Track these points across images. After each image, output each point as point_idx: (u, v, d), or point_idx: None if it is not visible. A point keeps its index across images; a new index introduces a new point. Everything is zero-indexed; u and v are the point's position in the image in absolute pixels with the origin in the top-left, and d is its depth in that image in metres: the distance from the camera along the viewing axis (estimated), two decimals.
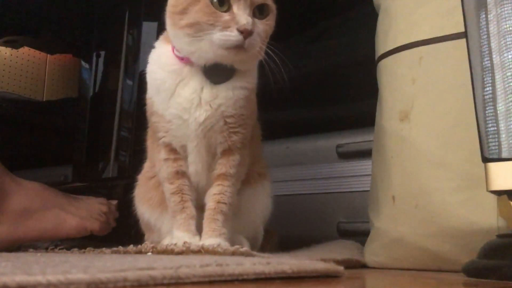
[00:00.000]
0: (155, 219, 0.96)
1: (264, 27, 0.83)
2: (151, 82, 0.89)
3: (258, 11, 0.83)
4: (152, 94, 0.89)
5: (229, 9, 0.80)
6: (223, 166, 0.88)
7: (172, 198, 0.89)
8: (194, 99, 0.85)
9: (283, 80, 0.86)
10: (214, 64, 0.84)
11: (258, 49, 0.82)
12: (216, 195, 0.88)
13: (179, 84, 0.86)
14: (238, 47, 0.80)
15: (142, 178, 1.01)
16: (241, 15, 0.79)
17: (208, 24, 0.80)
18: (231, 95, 0.86)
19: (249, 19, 0.79)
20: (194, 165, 0.89)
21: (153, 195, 0.96)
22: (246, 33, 0.79)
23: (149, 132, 0.98)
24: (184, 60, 0.85)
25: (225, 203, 0.87)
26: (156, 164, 0.93)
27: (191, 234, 0.87)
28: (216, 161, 0.89)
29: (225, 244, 0.83)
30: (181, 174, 0.89)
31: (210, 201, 0.88)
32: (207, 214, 0.87)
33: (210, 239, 0.84)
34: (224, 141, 0.87)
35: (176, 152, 0.89)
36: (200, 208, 0.90)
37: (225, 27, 0.79)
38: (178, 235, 0.87)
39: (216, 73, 0.85)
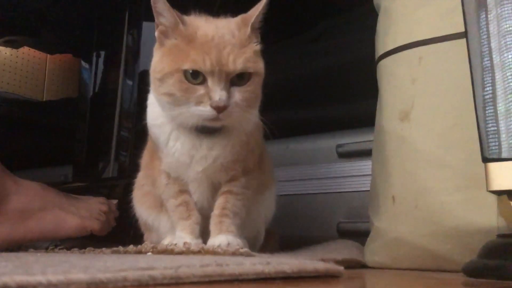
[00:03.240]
0: (152, 219, 0.97)
1: (244, 94, 0.80)
2: (151, 129, 0.89)
3: (238, 78, 0.80)
4: (153, 135, 0.89)
5: (204, 81, 0.78)
6: (228, 187, 0.88)
7: (178, 209, 0.88)
8: (189, 153, 0.84)
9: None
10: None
11: (241, 115, 0.80)
12: (221, 203, 0.87)
13: (170, 137, 0.85)
14: (215, 119, 0.79)
15: (137, 185, 1.01)
16: (215, 90, 0.77)
17: (182, 99, 0.79)
18: (226, 143, 0.85)
19: (223, 94, 0.77)
20: (197, 194, 0.89)
21: (148, 199, 0.97)
22: (219, 109, 0.77)
23: (148, 148, 0.98)
24: None
25: (230, 210, 0.86)
26: (157, 184, 0.92)
27: (194, 236, 0.86)
28: (221, 186, 0.89)
29: (235, 241, 0.82)
30: (185, 191, 0.89)
31: (215, 209, 0.87)
32: (213, 219, 0.87)
33: (219, 236, 0.84)
34: (227, 175, 0.87)
35: (177, 178, 0.89)
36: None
37: (199, 102, 0.78)
38: (181, 235, 0.86)
39: (207, 128, 0.83)
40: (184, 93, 0.78)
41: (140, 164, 1.01)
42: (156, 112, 0.87)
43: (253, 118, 0.85)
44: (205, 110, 0.78)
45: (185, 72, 0.78)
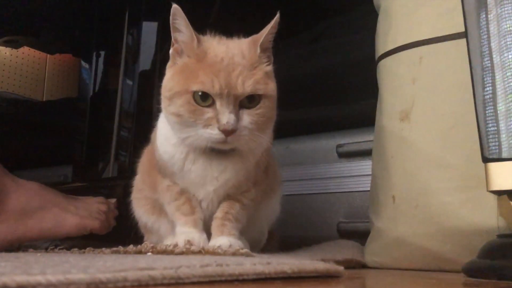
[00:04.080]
0: (152, 222, 0.96)
1: (254, 117, 0.78)
2: (161, 149, 0.87)
3: (248, 101, 0.78)
4: (162, 157, 0.87)
5: (212, 103, 0.77)
6: (237, 195, 0.87)
7: (181, 208, 0.87)
8: (205, 175, 0.83)
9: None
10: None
11: (251, 138, 0.78)
12: (225, 208, 0.86)
13: (187, 159, 0.83)
14: (223, 142, 0.78)
15: (135, 189, 1.00)
16: (223, 113, 0.76)
17: (190, 120, 0.78)
18: (238, 166, 0.83)
19: (231, 118, 0.76)
20: (206, 202, 0.87)
21: (148, 202, 0.96)
22: (227, 133, 0.76)
23: (147, 155, 0.97)
24: None
25: (233, 216, 0.85)
26: (158, 190, 0.91)
27: (198, 230, 0.85)
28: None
29: (237, 243, 0.82)
30: (187, 191, 0.88)
31: (218, 212, 0.86)
32: (215, 221, 0.86)
33: (221, 238, 0.83)
34: (237, 191, 0.87)
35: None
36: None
37: (207, 125, 0.77)
38: (184, 230, 0.85)
39: (218, 149, 0.82)
40: (192, 114, 0.77)
41: (138, 168, 1.00)
42: (169, 134, 0.85)
43: (264, 142, 0.83)
44: (213, 133, 0.77)
45: (194, 93, 0.77)
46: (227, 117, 0.76)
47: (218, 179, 0.84)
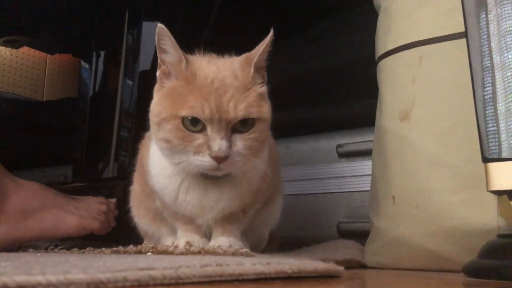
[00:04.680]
0: (153, 231, 0.96)
1: (247, 142, 0.74)
2: (154, 179, 0.84)
3: (240, 124, 0.74)
4: (155, 187, 0.85)
5: (203, 128, 0.73)
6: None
7: (180, 218, 0.86)
8: (201, 205, 0.81)
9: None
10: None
11: (244, 164, 0.75)
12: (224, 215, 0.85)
13: (180, 189, 0.81)
14: (216, 169, 0.74)
15: (133, 194, 0.99)
16: (214, 139, 0.72)
17: (180, 147, 0.74)
18: (233, 193, 0.81)
19: (223, 144, 0.72)
20: (203, 226, 0.86)
21: (147, 211, 0.95)
22: (218, 160, 0.72)
23: (140, 168, 0.94)
24: None
25: (234, 219, 0.85)
26: (154, 197, 0.90)
27: (198, 235, 0.85)
28: None
29: (237, 243, 0.82)
30: None
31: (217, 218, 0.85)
32: (214, 226, 0.85)
33: (221, 238, 0.83)
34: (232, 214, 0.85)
35: None
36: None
37: (198, 152, 0.73)
38: (185, 234, 0.85)
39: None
40: (182, 141, 0.73)
41: (135, 176, 0.98)
42: (163, 164, 0.81)
43: (260, 166, 0.80)
44: (205, 160, 0.73)
45: (183, 119, 0.73)
46: (218, 143, 0.72)
47: (214, 209, 0.81)
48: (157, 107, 0.77)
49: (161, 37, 0.76)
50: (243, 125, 0.75)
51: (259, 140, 0.76)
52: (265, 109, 0.77)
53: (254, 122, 0.75)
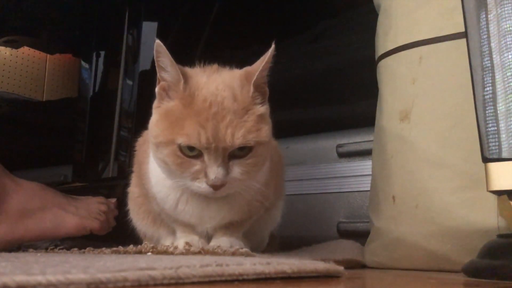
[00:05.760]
0: (152, 233, 0.96)
1: (244, 168, 0.74)
2: (155, 188, 0.84)
3: (238, 150, 0.73)
4: (156, 195, 0.84)
5: (200, 154, 0.73)
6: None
7: (180, 222, 0.86)
8: (201, 215, 0.81)
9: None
10: None
11: (242, 186, 0.75)
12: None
13: (180, 200, 0.81)
14: (212, 194, 0.75)
15: (131, 197, 0.98)
16: (211, 167, 0.72)
17: (178, 172, 0.74)
18: (233, 206, 0.81)
19: (220, 173, 0.72)
20: (202, 234, 0.86)
21: (146, 214, 0.95)
22: (215, 187, 0.73)
23: (138, 171, 0.93)
24: None
25: (233, 226, 0.85)
26: (152, 199, 0.89)
27: (198, 236, 0.85)
28: None
29: (237, 243, 0.82)
30: None
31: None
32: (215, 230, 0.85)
33: (222, 238, 0.83)
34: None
35: None
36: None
37: (195, 178, 0.74)
38: (184, 235, 0.85)
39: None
40: (179, 167, 0.73)
41: (133, 179, 0.98)
42: (161, 175, 0.81)
43: (257, 184, 0.79)
44: (202, 186, 0.74)
45: (179, 145, 0.73)
46: (215, 172, 0.72)
47: (214, 219, 0.82)
48: (155, 129, 0.77)
49: (158, 54, 0.75)
50: (241, 150, 0.74)
51: (257, 165, 0.76)
52: (264, 132, 0.75)
53: (252, 148, 0.74)
